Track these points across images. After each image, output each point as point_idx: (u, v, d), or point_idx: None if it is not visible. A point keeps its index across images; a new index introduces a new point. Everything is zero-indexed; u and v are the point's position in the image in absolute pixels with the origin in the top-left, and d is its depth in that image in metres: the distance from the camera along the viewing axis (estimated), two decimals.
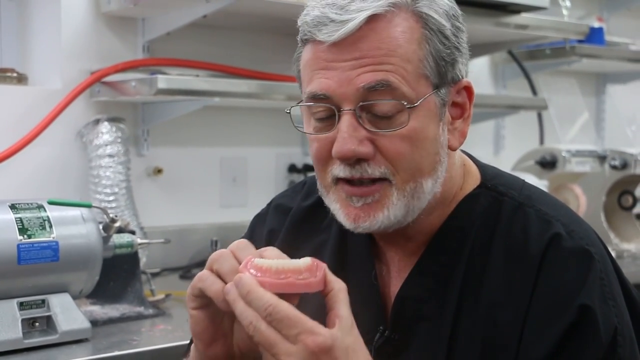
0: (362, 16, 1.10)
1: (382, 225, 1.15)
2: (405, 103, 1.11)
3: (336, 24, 1.11)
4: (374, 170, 1.13)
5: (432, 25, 1.14)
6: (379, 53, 1.11)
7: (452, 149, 1.20)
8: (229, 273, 1.04)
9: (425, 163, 1.15)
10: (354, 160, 1.13)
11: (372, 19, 1.11)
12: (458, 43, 1.18)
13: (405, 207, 1.15)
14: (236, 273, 1.03)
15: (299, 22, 1.18)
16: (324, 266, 1.05)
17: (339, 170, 1.15)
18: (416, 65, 1.13)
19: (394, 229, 1.17)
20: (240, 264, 1.05)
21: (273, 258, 1.05)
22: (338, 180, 1.16)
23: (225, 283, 1.04)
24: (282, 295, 1.01)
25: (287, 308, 0.99)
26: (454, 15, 1.18)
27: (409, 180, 1.14)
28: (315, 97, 1.15)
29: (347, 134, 1.12)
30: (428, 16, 1.14)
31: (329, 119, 1.15)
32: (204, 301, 1.08)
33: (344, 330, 1.02)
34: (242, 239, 1.10)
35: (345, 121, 1.12)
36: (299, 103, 1.20)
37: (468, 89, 1.21)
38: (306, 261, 1.04)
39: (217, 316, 1.08)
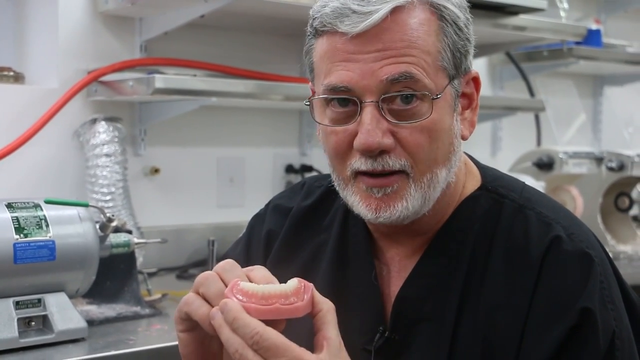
0: (386, 7, 1.11)
1: (401, 215, 1.15)
2: (428, 94, 1.12)
3: (359, 15, 1.11)
4: (395, 162, 1.13)
5: (448, 17, 1.15)
6: (401, 45, 1.11)
7: (463, 138, 1.21)
8: (215, 297, 1.03)
9: (441, 153, 1.16)
10: (376, 153, 1.13)
11: (395, 10, 1.12)
12: (469, 34, 1.19)
13: (422, 198, 1.15)
14: (222, 296, 1.02)
15: (314, 14, 1.17)
16: (311, 287, 1.04)
17: (359, 163, 1.14)
18: (435, 57, 1.14)
19: (410, 220, 1.17)
20: (226, 286, 1.03)
21: (260, 279, 1.04)
22: (357, 174, 1.16)
23: (212, 306, 1.03)
24: (269, 321, 0.99)
25: (273, 335, 0.98)
26: (464, 7, 1.20)
27: (425, 171, 1.15)
28: (335, 89, 1.14)
29: (371, 126, 1.12)
30: (445, 8, 1.15)
31: (348, 111, 1.15)
32: (192, 324, 1.07)
33: (332, 353, 1.02)
34: (228, 260, 1.08)
35: (369, 113, 1.12)
36: (316, 96, 1.19)
37: (476, 80, 1.23)
38: (293, 283, 1.03)
39: (205, 338, 1.07)
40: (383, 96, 1.12)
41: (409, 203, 1.15)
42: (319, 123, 1.20)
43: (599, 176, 3.32)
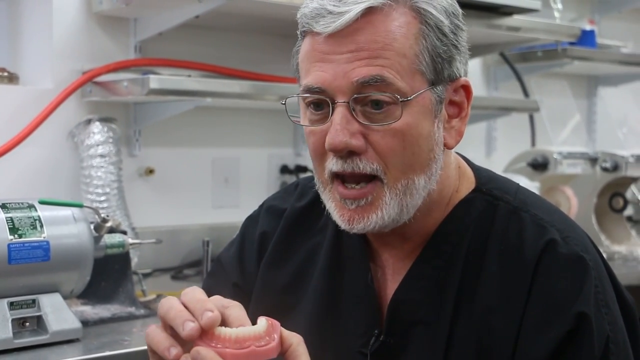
0: (359, 8, 1.10)
1: (376, 226, 1.15)
2: (398, 97, 1.11)
3: (333, 15, 1.11)
4: (366, 165, 1.12)
5: (430, 21, 1.14)
6: (375, 46, 1.11)
7: (448, 147, 1.20)
8: (166, 312, 1.00)
9: (417, 160, 1.14)
10: (345, 154, 1.12)
11: (369, 11, 1.11)
12: (456, 41, 1.17)
13: (398, 206, 1.14)
14: (177, 309, 0.99)
15: (298, 15, 1.18)
16: (278, 325, 1.03)
17: (332, 164, 1.15)
18: (411, 60, 1.13)
19: (390, 228, 1.17)
20: (184, 305, 1.00)
21: (234, 320, 1.00)
22: (334, 179, 1.16)
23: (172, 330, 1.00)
24: None
25: None
26: (453, 13, 1.18)
27: (400, 177, 1.13)
28: (310, 90, 1.15)
29: (340, 126, 1.11)
30: (426, 12, 1.14)
31: (324, 110, 1.15)
32: (161, 358, 1.04)
33: None
34: (194, 288, 1.05)
35: (339, 113, 1.12)
36: (292, 95, 1.21)
37: (466, 88, 1.21)
38: (263, 324, 1.01)
39: None
40: (354, 96, 1.12)
41: (384, 212, 1.14)
42: (296, 122, 1.21)
43: (594, 176, 3.33)
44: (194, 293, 1.02)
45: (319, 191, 1.22)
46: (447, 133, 1.19)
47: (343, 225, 1.17)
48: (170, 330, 1.01)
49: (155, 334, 1.02)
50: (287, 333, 1.03)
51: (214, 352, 0.96)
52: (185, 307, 1.00)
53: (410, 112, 1.13)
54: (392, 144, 1.12)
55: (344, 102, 1.12)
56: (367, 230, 1.16)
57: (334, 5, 1.12)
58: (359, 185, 1.14)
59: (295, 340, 1.03)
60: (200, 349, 0.97)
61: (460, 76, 1.20)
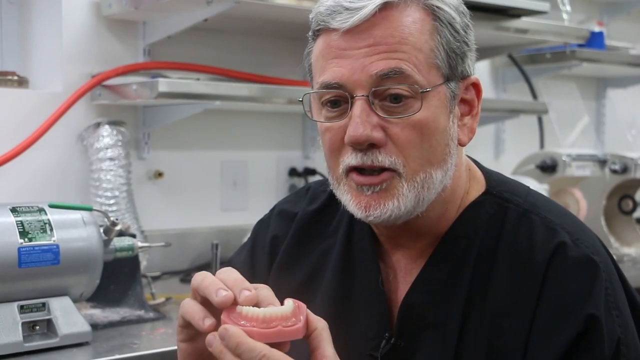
0: (375, 3, 1.12)
1: (392, 215, 1.14)
2: (418, 87, 1.12)
3: (350, 11, 1.13)
4: (384, 158, 1.13)
5: (443, 18, 1.16)
6: (392, 40, 1.12)
7: (461, 144, 1.21)
8: (207, 286, 1.03)
9: (434, 154, 1.15)
10: (365, 147, 1.13)
11: (385, 6, 1.13)
12: (467, 38, 1.19)
13: (415, 198, 1.15)
14: (211, 279, 1.02)
15: (312, 15, 1.19)
16: (305, 307, 1.04)
17: (350, 158, 1.15)
18: (427, 54, 1.14)
19: (403, 220, 1.17)
20: (222, 282, 1.03)
21: (264, 299, 1.03)
22: (349, 172, 1.16)
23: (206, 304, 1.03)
24: (271, 344, 0.99)
25: (281, 357, 0.98)
26: (462, 12, 1.20)
27: (418, 170, 1.14)
28: (328, 86, 1.15)
29: (360, 119, 1.12)
30: (439, 9, 1.16)
31: (342, 107, 1.16)
32: (191, 333, 1.07)
33: None
34: (230, 267, 1.07)
35: (359, 107, 1.13)
36: (309, 92, 1.21)
37: (476, 86, 1.22)
38: (290, 305, 1.02)
39: (205, 350, 1.05)
40: (373, 90, 1.12)
41: (401, 202, 1.14)
42: (315, 120, 1.21)
43: (603, 179, 3.32)
44: (231, 272, 1.05)
45: (333, 189, 1.22)
46: (460, 130, 1.21)
47: (359, 213, 1.16)
48: (202, 301, 1.04)
49: (190, 304, 1.04)
50: (313, 317, 1.04)
51: (241, 330, 0.98)
52: (222, 282, 1.03)
53: (428, 106, 1.14)
54: (411, 136, 1.13)
55: (363, 95, 1.13)
56: (383, 218, 1.15)
57: (350, 2, 1.13)
58: (375, 173, 1.15)
59: (321, 325, 1.04)
60: (229, 327, 0.99)
61: (471, 74, 1.21)
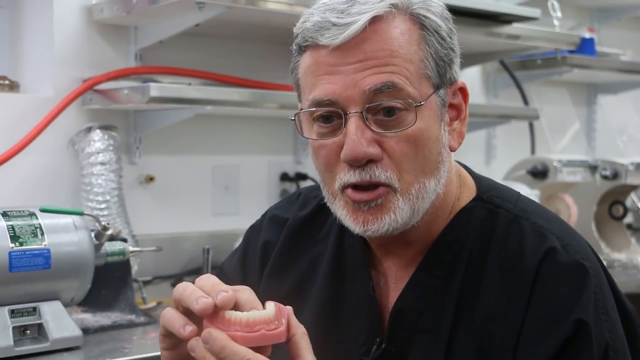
0: (365, 18, 1.11)
1: (389, 228, 1.15)
2: (411, 102, 1.12)
3: (338, 27, 1.11)
4: (381, 173, 1.13)
5: (429, 26, 1.16)
6: (382, 54, 1.12)
7: (452, 149, 1.21)
8: (187, 298, 1.03)
9: (427, 164, 1.15)
10: (363, 163, 1.13)
11: (374, 20, 1.12)
12: (452, 44, 1.19)
13: (411, 210, 1.15)
14: (192, 288, 1.02)
15: (297, 30, 1.18)
16: (286, 310, 1.04)
17: (349, 175, 1.14)
18: (418, 65, 1.14)
19: (400, 231, 1.17)
20: (201, 290, 1.03)
21: (246, 303, 1.03)
22: (345, 188, 1.16)
23: (190, 314, 1.03)
24: (254, 349, 0.99)
25: None
26: (446, 18, 1.20)
27: (413, 182, 1.14)
28: (320, 103, 1.14)
29: (357, 137, 1.11)
30: (425, 18, 1.15)
31: (334, 122, 1.15)
32: (173, 341, 1.07)
33: None
34: (209, 274, 1.08)
35: (353, 124, 1.12)
36: (303, 109, 1.19)
37: (463, 90, 1.22)
38: (272, 308, 1.03)
39: (188, 358, 1.05)
40: (367, 106, 1.12)
41: (397, 215, 1.14)
42: (307, 137, 1.20)
43: (593, 184, 3.33)
44: (209, 278, 1.05)
45: (327, 203, 1.22)
46: (450, 136, 1.21)
47: (357, 228, 1.16)
48: (184, 311, 1.04)
49: (170, 313, 1.05)
50: (292, 322, 1.05)
51: (225, 334, 0.98)
52: (201, 289, 1.03)
53: (421, 117, 1.14)
54: (405, 149, 1.13)
55: (357, 112, 1.12)
56: (381, 232, 1.15)
57: (337, 18, 1.12)
58: (370, 188, 1.15)
59: (299, 332, 1.05)
60: (212, 330, 0.99)
61: (458, 79, 1.21)
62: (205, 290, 1.03)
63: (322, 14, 1.14)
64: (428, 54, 1.15)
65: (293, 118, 1.23)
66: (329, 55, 1.13)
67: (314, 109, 1.15)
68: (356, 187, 1.15)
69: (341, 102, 1.13)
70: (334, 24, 1.12)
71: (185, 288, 1.04)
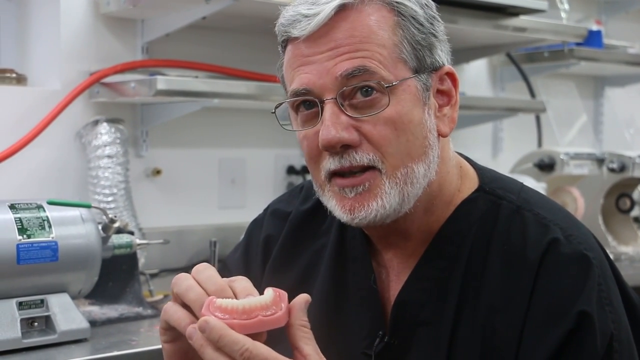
0: (331, 6, 1.13)
1: (377, 215, 1.15)
2: (383, 83, 1.13)
3: (308, 18, 1.14)
4: (362, 157, 1.13)
5: (405, 12, 1.17)
6: (353, 41, 1.13)
7: (442, 135, 1.21)
8: (184, 292, 1.04)
9: (413, 147, 1.15)
10: (340, 149, 1.13)
11: (342, 8, 1.14)
12: (434, 30, 1.19)
13: (399, 195, 1.15)
14: (194, 291, 1.03)
15: (276, 28, 1.21)
16: (286, 295, 1.04)
17: (329, 163, 1.15)
18: (391, 50, 1.15)
19: (391, 219, 1.17)
20: (199, 284, 1.04)
21: (242, 291, 1.04)
22: (331, 177, 1.17)
23: (186, 304, 1.04)
24: (250, 335, 0.99)
25: (263, 350, 0.98)
26: (426, 5, 1.20)
27: (399, 165, 1.14)
28: (297, 93, 1.17)
29: (330, 122, 1.13)
30: (399, 4, 1.17)
31: (314, 113, 1.17)
32: (174, 334, 1.08)
33: None
34: (203, 263, 1.09)
35: (328, 110, 1.14)
36: (282, 102, 1.22)
37: (451, 75, 1.22)
38: (270, 294, 1.03)
39: (189, 350, 1.06)
40: (340, 91, 1.13)
41: (385, 201, 1.14)
42: (287, 129, 1.23)
43: (600, 177, 3.33)
44: (206, 270, 1.06)
45: (318, 195, 1.23)
46: (440, 121, 1.21)
47: (345, 216, 1.17)
48: (183, 304, 1.05)
49: (174, 310, 1.05)
50: (296, 312, 1.04)
51: (222, 323, 0.98)
52: (200, 285, 1.04)
53: (398, 100, 1.14)
54: (384, 132, 1.13)
55: (331, 98, 1.14)
56: (369, 219, 1.15)
57: (307, 9, 1.15)
58: (356, 174, 1.15)
59: (297, 323, 1.04)
60: (209, 319, 0.99)
61: (444, 64, 1.21)
62: (201, 283, 1.04)
63: (295, 7, 1.17)
64: (403, 38, 1.16)
65: (273, 112, 1.26)
66: (302, 46, 1.16)
67: (293, 99, 1.18)
68: (342, 175, 1.16)
69: (316, 91, 1.15)
70: (305, 15, 1.15)
71: (188, 289, 1.04)
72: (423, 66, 1.17)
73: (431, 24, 1.19)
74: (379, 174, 1.14)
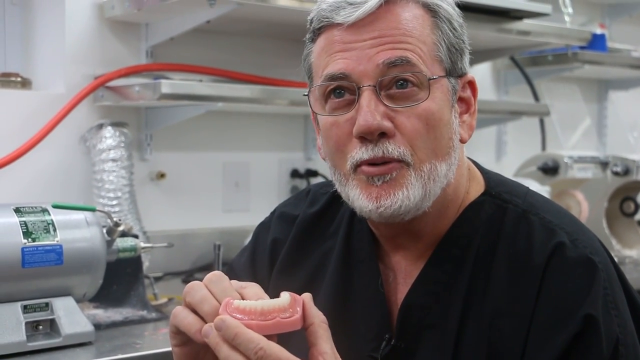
0: None
1: (402, 205, 1.14)
2: (425, 75, 1.14)
3: (354, 6, 1.15)
4: (394, 149, 1.13)
5: (442, 14, 1.19)
6: (396, 32, 1.15)
7: (462, 141, 1.22)
8: (198, 303, 1.04)
9: (439, 145, 1.16)
10: (376, 137, 1.13)
11: (388, 2, 1.15)
12: (463, 37, 1.22)
13: (422, 189, 1.15)
14: (207, 302, 1.03)
15: (312, 15, 1.21)
16: (302, 299, 1.05)
17: (361, 152, 1.15)
18: (430, 47, 1.16)
19: (411, 216, 1.16)
20: (213, 295, 1.04)
21: (253, 297, 1.04)
22: (357, 167, 1.16)
23: (198, 315, 1.04)
24: (268, 337, 1.00)
25: (277, 349, 0.99)
26: (458, 13, 1.23)
27: (425, 160, 1.15)
28: (333, 77, 1.16)
29: (369, 109, 1.13)
30: (438, 6, 1.19)
31: (347, 99, 1.16)
32: (184, 338, 1.08)
33: None
34: (215, 272, 1.09)
35: (366, 97, 1.14)
36: (314, 86, 1.21)
37: (472, 84, 1.25)
38: (287, 297, 1.03)
39: (200, 353, 1.07)
40: (380, 79, 1.14)
41: (410, 192, 1.14)
42: (319, 114, 1.21)
43: (604, 181, 3.32)
44: (220, 281, 1.06)
45: (338, 187, 1.22)
46: (461, 127, 1.22)
47: (370, 204, 1.16)
48: (194, 309, 1.05)
49: (184, 315, 1.06)
50: (310, 311, 1.05)
51: (238, 322, 0.99)
52: (214, 297, 1.04)
53: (433, 96, 1.15)
54: (417, 126, 1.14)
55: (370, 85, 1.14)
56: (394, 209, 1.14)
57: None
58: (384, 163, 1.15)
59: (317, 321, 1.05)
60: (225, 318, 0.99)
61: (467, 72, 1.23)
62: (215, 296, 1.04)
63: None
64: (441, 39, 1.18)
65: (306, 94, 1.24)
66: (344, 33, 1.16)
67: (327, 82, 1.17)
68: (371, 163, 1.15)
69: (354, 77, 1.15)
70: (350, 3, 1.15)
71: (203, 300, 1.04)
72: (454, 69, 1.19)
73: (462, 30, 1.22)
74: (406, 166, 1.15)
